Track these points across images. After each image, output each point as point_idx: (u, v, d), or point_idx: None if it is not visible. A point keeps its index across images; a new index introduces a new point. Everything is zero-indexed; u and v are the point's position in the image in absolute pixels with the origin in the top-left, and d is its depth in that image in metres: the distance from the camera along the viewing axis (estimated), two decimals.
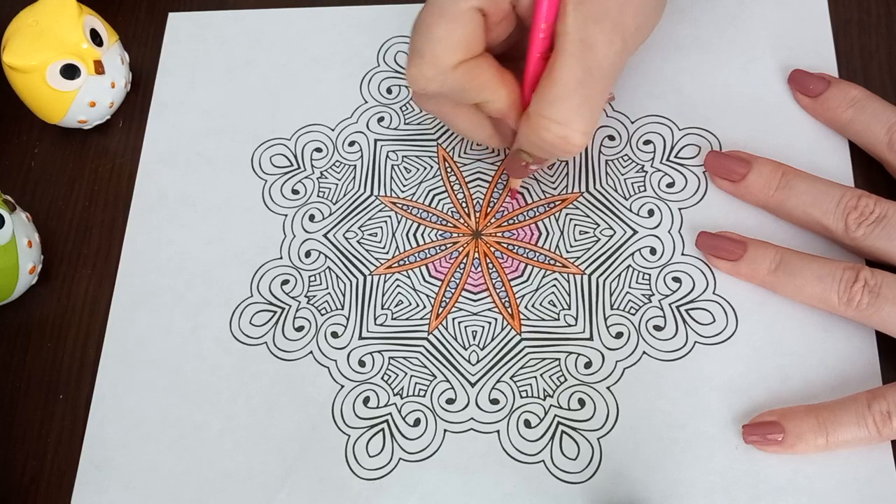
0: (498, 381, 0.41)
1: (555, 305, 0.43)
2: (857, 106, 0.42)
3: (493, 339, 0.42)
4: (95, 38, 0.47)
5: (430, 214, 0.45)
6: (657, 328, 0.41)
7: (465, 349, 0.42)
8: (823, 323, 0.40)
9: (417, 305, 0.43)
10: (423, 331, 0.43)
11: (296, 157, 0.48)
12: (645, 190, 0.44)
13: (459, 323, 0.43)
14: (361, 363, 0.43)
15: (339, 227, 0.46)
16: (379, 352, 0.43)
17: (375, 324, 0.43)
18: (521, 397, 0.41)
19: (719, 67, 0.46)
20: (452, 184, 0.46)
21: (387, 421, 0.41)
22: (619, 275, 0.43)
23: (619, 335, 0.42)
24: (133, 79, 0.50)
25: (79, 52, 0.46)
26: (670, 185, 0.44)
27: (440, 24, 0.37)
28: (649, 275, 0.43)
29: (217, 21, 0.52)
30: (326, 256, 0.45)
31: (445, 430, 0.41)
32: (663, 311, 0.42)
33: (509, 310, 0.43)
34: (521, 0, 0.38)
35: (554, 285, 0.43)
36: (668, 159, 0.45)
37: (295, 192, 0.47)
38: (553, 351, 0.42)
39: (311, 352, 0.43)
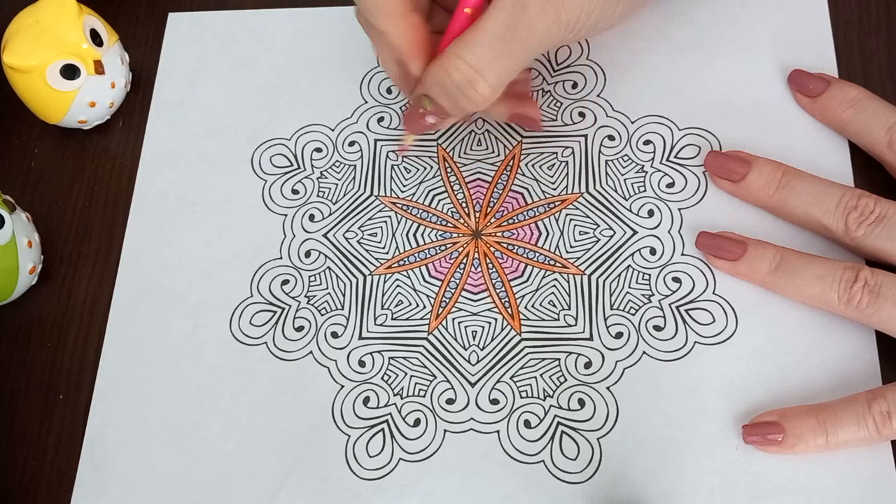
0: (498, 382, 0.41)
1: (555, 305, 0.43)
2: (857, 106, 0.42)
3: (493, 340, 0.42)
4: (95, 38, 0.47)
5: (430, 214, 0.45)
6: (657, 328, 0.41)
7: (465, 349, 0.42)
8: (823, 323, 0.40)
9: (417, 305, 0.43)
10: (423, 331, 0.43)
11: (296, 157, 0.48)
12: (645, 190, 0.44)
13: (459, 323, 0.43)
14: (361, 363, 0.43)
15: (339, 227, 0.46)
16: (379, 352, 0.43)
17: (375, 324, 0.43)
18: (521, 397, 0.41)
19: (719, 67, 0.46)
20: (452, 184, 0.46)
21: (387, 421, 0.41)
22: (619, 275, 0.43)
23: (619, 335, 0.42)
24: (133, 79, 0.50)
25: (79, 52, 0.46)
26: (670, 185, 0.44)
27: None
28: (649, 275, 0.43)
29: (217, 21, 0.52)
30: (326, 256, 0.45)
31: (445, 431, 0.41)
32: (663, 312, 0.42)
33: (509, 310, 0.43)
34: None
35: (554, 285, 0.43)
36: (668, 159, 0.45)
37: (295, 192, 0.47)
38: (553, 351, 0.42)
39: (311, 352, 0.43)
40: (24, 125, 0.50)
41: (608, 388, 0.41)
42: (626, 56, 0.47)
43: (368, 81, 0.49)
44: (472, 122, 0.47)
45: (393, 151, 0.45)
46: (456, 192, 0.46)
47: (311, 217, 0.46)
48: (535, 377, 0.41)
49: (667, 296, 0.42)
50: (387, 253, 0.45)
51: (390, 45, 0.40)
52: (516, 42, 0.37)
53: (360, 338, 0.43)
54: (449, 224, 0.45)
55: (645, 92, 0.46)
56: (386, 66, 0.42)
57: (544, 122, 0.46)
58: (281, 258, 0.45)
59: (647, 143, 0.45)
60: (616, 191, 0.45)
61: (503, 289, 0.43)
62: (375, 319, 0.43)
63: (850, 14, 0.47)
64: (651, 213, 0.44)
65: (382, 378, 0.42)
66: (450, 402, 0.41)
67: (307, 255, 0.45)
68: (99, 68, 0.47)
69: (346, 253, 0.45)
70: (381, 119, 0.48)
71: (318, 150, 0.48)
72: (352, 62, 0.50)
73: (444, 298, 0.43)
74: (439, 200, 0.46)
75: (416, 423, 0.41)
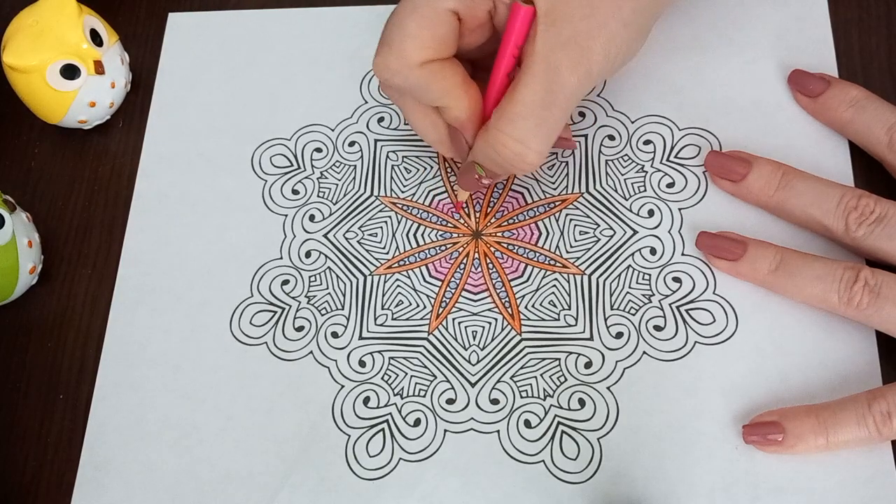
0: (498, 382, 0.41)
1: (555, 305, 0.43)
2: (857, 106, 0.42)
3: (493, 340, 0.42)
4: (95, 38, 0.47)
5: (430, 215, 0.45)
6: (657, 328, 0.41)
7: (466, 349, 0.42)
8: (823, 323, 0.40)
9: (417, 306, 0.43)
10: (424, 331, 0.43)
11: (296, 157, 0.48)
12: (645, 190, 0.44)
13: (459, 323, 0.43)
14: (362, 363, 0.43)
15: (340, 227, 0.46)
16: (379, 352, 0.43)
17: (375, 324, 0.43)
18: (522, 397, 0.41)
19: (719, 67, 0.46)
20: (452, 184, 0.46)
21: (387, 421, 0.41)
22: (619, 275, 0.43)
23: (619, 335, 0.42)
24: (133, 79, 0.50)
25: (79, 53, 0.46)
26: (670, 185, 0.44)
27: (413, 19, 0.38)
28: (649, 275, 0.43)
29: (217, 21, 0.52)
30: (327, 256, 0.45)
31: (445, 431, 0.41)
32: (663, 311, 0.42)
33: (509, 310, 0.43)
34: (498, 11, 0.39)
35: (554, 285, 0.43)
36: (668, 159, 0.45)
37: (295, 192, 0.47)
38: (553, 351, 0.42)
39: (311, 352, 0.43)
40: (24, 125, 0.50)
41: (608, 388, 0.41)
42: None
43: (368, 81, 0.49)
44: None
45: (451, 203, 0.45)
46: (456, 192, 0.46)
47: (312, 217, 0.46)
48: (536, 377, 0.41)
49: (667, 296, 0.42)
50: (387, 253, 0.45)
51: (449, 118, 0.40)
52: (554, 106, 0.37)
53: (361, 338, 0.43)
54: (449, 224, 0.45)
55: (645, 92, 0.46)
56: (424, 131, 0.42)
57: None
58: (281, 258, 0.45)
59: (647, 142, 0.45)
60: (616, 191, 0.45)
61: (503, 289, 0.43)
62: (376, 319, 0.43)
63: (850, 14, 0.47)
64: (651, 212, 0.44)
65: (382, 378, 0.42)
66: (450, 401, 0.41)
67: (307, 255, 0.45)
68: (99, 68, 0.47)
69: (347, 253, 0.45)
70: (381, 119, 0.48)
71: (319, 150, 0.48)
72: (352, 62, 0.50)
73: (444, 298, 0.43)
74: (439, 200, 0.46)
75: (417, 422, 0.41)
